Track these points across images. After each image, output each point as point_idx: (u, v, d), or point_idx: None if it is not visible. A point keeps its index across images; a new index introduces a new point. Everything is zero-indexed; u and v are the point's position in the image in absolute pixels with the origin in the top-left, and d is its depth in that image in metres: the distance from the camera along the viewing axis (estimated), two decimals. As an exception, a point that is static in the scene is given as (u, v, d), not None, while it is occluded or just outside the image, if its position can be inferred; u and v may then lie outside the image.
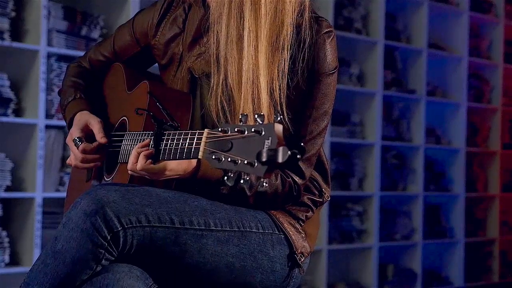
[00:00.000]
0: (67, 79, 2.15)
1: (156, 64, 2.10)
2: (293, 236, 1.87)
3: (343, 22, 5.18)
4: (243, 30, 1.80)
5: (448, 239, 5.89)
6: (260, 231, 1.82)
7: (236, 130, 1.50)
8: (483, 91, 6.23)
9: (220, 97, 1.82)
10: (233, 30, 1.80)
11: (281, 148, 1.42)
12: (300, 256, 1.88)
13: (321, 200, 1.97)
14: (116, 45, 2.13)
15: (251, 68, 1.78)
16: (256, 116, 1.48)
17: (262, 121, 1.48)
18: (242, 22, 1.80)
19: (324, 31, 1.86)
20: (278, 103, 1.80)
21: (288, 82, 1.82)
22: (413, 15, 5.66)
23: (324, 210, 4.95)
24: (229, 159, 1.49)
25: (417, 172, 5.61)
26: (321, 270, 4.99)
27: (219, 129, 1.54)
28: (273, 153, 1.42)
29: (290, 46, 1.82)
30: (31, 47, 3.80)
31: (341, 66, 5.20)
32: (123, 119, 1.99)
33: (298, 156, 1.42)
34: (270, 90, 1.79)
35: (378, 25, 5.31)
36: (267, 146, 1.44)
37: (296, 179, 1.87)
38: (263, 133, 1.45)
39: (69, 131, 2.05)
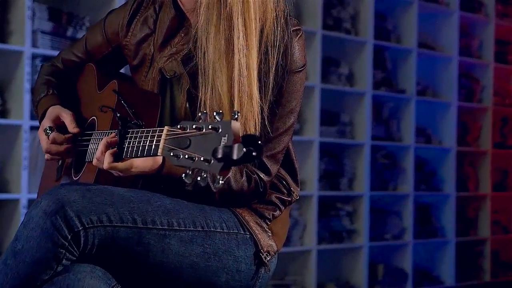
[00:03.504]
0: (40, 78, 2.16)
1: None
2: (259, 235, 1.87)
3: (332, 22, 5.17)
4: (233, 44, 1.78)
5: (439, 239, 5.89)
6: (225, 230, 1.82)
7: (194, 127, 1.50)
8: (474, 90, 6.23)
9: (210, 105, 1.79)
10: (221, 43, 1.79)
11: (236, 145, 1.43)
12: (266, 255, 1.88)
13: (289, 199, 1.96)
14: (88, 45, 2.13)
15: (243, 82, 1.78)
16: (214, 113, 1.48)
17: (221, 118, 1.48)
18: (232, 34, 1.79)
19: (292, 29, 1.87)
20: (265, 111, 1.81)
21: (273, 88, 1.83)
22: (403, 14, 5.66)
23: (313, 210, 4.95)
24: (186, 156, 1.49)
25: (407, 172, 5.60)
26: (310, 270, 4.99)
27: (178, 126, 1.54)
28: (228, 150, 1.43)
29: (274, 54, 1.82)
30: (15, 48, 3.80)
31: (330, 66, 5.20)
32: (93, 118, 1.99)
33: (253, 154, 1.42)
34: (258, 99, 1.79)
35: (367, 25, 5.31)
36: (224, 143, 1.44)
37: (261, 176, 1.87)
38: (220, 130, 1.46)
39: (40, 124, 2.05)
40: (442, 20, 5.96)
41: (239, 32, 1.79)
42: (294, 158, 1.99)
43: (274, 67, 1.83)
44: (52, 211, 1.63)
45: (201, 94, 1.81)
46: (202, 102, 1.80)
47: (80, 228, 1.64)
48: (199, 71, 1.83)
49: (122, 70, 2.22)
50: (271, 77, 1.82)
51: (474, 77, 6.28)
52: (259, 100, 1.79)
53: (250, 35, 1.79)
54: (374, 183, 5.41)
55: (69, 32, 4.00)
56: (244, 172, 1.84)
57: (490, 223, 6.25)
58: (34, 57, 3.86)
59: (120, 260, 1.70)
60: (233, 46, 1.78)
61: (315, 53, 4.96)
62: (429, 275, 5.88)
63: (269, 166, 1.88)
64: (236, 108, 1.77)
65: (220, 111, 1.49)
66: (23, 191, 3.78)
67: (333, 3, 5.21)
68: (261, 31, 1.82)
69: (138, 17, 2.02)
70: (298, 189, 1.99)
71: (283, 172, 1.96)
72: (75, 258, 1.66)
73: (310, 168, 4.98)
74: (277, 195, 1.94)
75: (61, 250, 1.63)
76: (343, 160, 5.32)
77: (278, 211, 1.94)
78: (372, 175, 5.38)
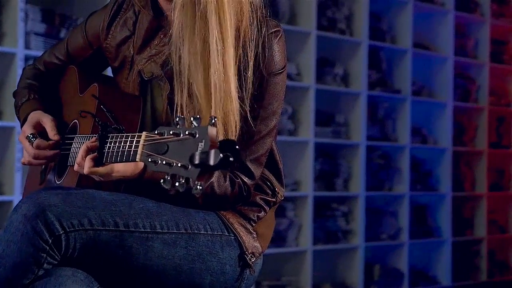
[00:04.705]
0: (22, 81, 2.15)
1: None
2: (243, 237, 1.87)
3: (327, 22, 5.18)
4: (210, 43, 1.78)
5: (435, 239, 5.89)
6: (208, 232, 1.82)
7: (171, 133, 1.50)
8: (469, 90, 6.23)
9: (187, 109, 1.79)
10: (197, 44, 1.78)
11: (213, 151, 1.43)
12: (251, 256, 1.87)
13: (274, 199, 1.96)
14: (69, 48, 2.12)
15: (219, 80, 1.77)
16: (192, 118, 1.48)
17: (198, 124, 1.48)
18: (207, 34, 1.78)
19: (271, 31, 1.86)
20: (245, 109, 1.81)
21: (253, 82, 1.83)
22: (398, 14, 5.66)
23: (309, 210, 4.95)
24: (164, 162, 1.50)
25: (403, 172, 5.61)
26: (306, 271, 4.99)
27: (156, 132, 1.54)
28: (205, 156, 1.44)
29: (252, 52, 1.82)
30: (8, 50, 3.80)
31: (325, 66, 5.20)
32: (74, 122, 1.99)
33: (230, 159, 1.43)
34: (238, 98, 1.79)
35: (362, 25, 5.31)
36: (201, 149, 1.45)
37: (245, 180, 1.87)
38: (197, 135, 1.47)
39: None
40: (437, 20, 5.96)
41: (214, 31, 1.78)
42: (278, 159, 1.99)
43: (252, 61, 1.82)
44: (33, 215, 1.62)
45: (178, 99, 1.81)
46: (179, 107, 1.80)
47: (61, 232, 1.64)
48: (174, 75, 1.82)
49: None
50: (250, 71, 1.82)
51: (470, 77, 6.29)
52: (237, 97, 1.78)
53: (226, 32, 1.78)
54: (369, 184, 5.41)
55: (62, 34, 4.00)
56: (228, 176, 1.84)
57: (486, 223, 6.25)
58: (27, 59, 3.86)
59: (102, 263, 1.70)
60: (209, 46, 1.78)
61: (309, 53, 4.96)
62: (425, 275, 5.88)
63: (252, 170, 1.87)
64: (213, 107, 1.77)
65: (198, 116, 1.50)
66: (17, 193, 3.78)
67: (328, 3, 5.21)
68: (238, 28, 1.82)
69: (118, 19, 2.02)
70: (283, 190, 1.98)
71: (267, 172, 1.96)
72: (56, 262, 1.65)
73: (305, 169, 4.98)
74: (262, 196, 1.94)
75: (42, 254, 1.63)
76: (339, 161, 5.32)
77: (262, 212, 1.93)
78: (367, 176, 5.38)
